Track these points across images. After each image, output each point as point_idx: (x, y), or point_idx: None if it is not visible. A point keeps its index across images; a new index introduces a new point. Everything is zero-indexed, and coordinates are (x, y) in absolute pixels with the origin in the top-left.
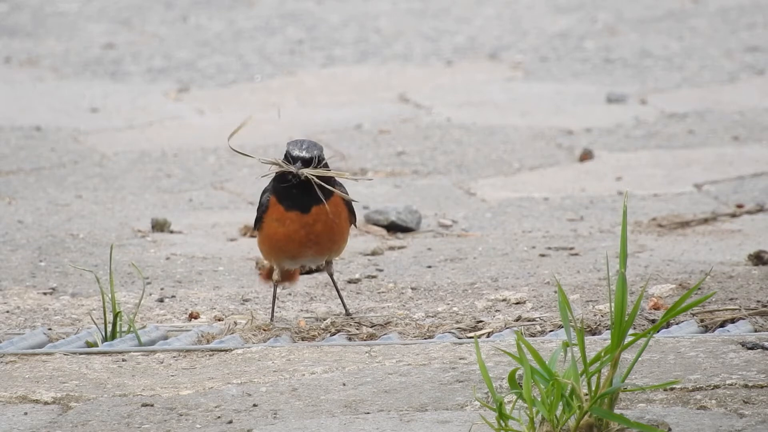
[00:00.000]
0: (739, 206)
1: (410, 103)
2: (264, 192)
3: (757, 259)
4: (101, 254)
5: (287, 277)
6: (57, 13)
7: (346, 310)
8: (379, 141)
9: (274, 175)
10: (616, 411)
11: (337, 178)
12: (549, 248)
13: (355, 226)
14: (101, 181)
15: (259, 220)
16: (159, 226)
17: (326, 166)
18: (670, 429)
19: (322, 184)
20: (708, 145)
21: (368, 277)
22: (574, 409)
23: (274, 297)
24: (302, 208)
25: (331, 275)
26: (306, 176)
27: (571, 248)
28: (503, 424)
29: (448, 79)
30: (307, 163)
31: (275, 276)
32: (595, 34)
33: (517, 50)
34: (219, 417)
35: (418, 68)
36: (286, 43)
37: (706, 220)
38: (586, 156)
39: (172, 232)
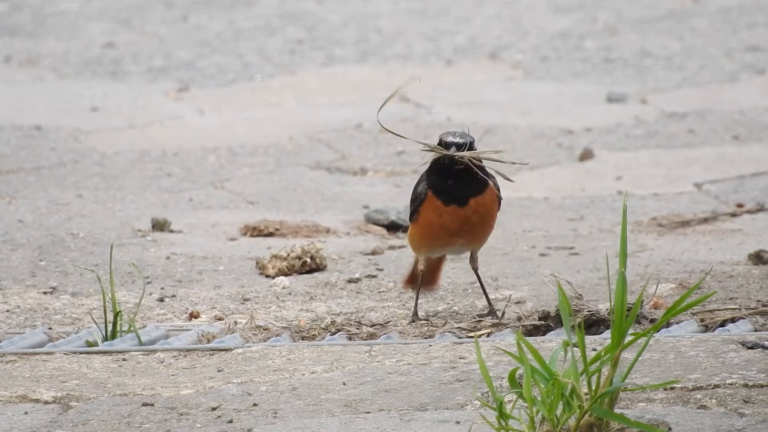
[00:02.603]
0: (740, 206)
1: (410, 103)
2: (419, 183)
3: (758, 258)
4: (101, 253)
5: (429, 281)
6: (57, 12)
7: (491, 306)
8: (379, 140)
9: (429, 165)
10: (617, 410)
11: (486, 168)
12: (549, 248)
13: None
14: (101, 181)
15: (415, 212)
16: (159, 226)
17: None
18: (670, 428)
19: (481, 165)
20: (708, 144)
21: (368, 276)
22: (574, 408)
23: (417, 297)
24: (459, 201)
25: (476, 270)
26: (463, 162)
27: (571, 248)
28: (503, 424)
29: (448, 79)
30: (460, 148)
31: (420, 266)
32: (595, 34)
33: (517, 50)
34: (219, 416)
35: (418, 68)
36: (287, 43)
37: (706, 220)
38: (586, 155)
39: (172, 231)
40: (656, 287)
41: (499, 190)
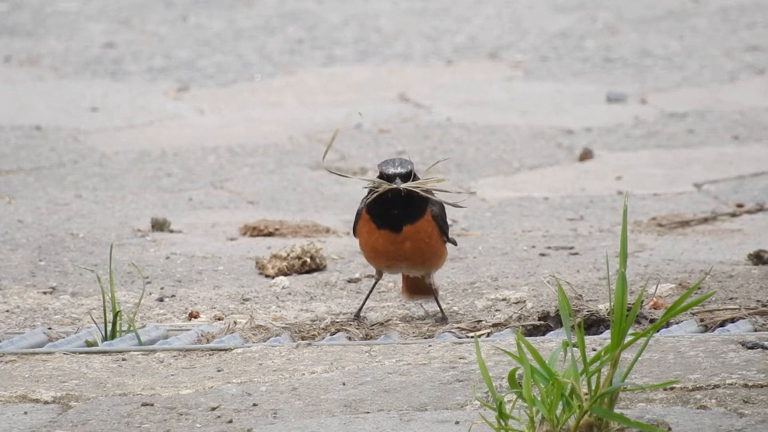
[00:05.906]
0: (739, 206)
1: (410, 103)
2: (362, 200)
3: (757, 258)
4: (101, 253)
5: (418, 291)
6: (57, 12)
7: (443, 313)
8: (379, 140)
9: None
10: (616, 410)
11: (433, 196)
12: (549, 248)
13: (449, 240)
14: (101, 181)
15: (354, 228)
16: (159, 226)
17: (416, 178)
18: (670, 428)
19: (424, 194)
20: (708, 144)
21: (368, 276)
22: (574, 408)
23: (368, 295)
24: (393, 227)
25: (430, 286)
26: (406, 191)
27: (571, 248)
28: (503, 424)
29: (448, 79)
30: (404, 177)
31: (377, 275)
32: (596, 34)
33: (518, 50)
34: (219, 416)
35: (418, 68)
36: (287, 43)
37: (706, 220)
38: (586, 155)
39: (172, 231)
40: (656, 287)
41: (444, 223)
